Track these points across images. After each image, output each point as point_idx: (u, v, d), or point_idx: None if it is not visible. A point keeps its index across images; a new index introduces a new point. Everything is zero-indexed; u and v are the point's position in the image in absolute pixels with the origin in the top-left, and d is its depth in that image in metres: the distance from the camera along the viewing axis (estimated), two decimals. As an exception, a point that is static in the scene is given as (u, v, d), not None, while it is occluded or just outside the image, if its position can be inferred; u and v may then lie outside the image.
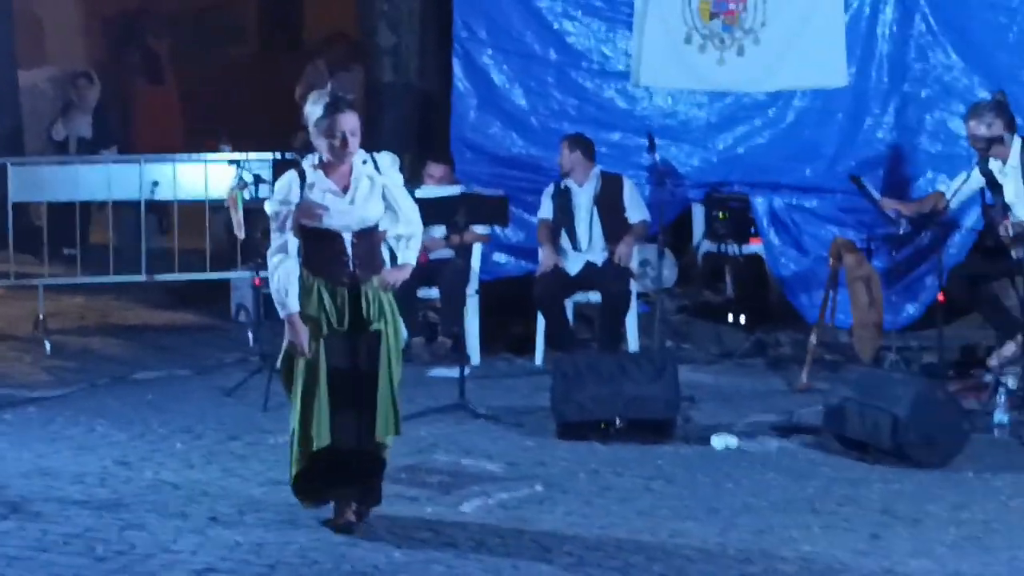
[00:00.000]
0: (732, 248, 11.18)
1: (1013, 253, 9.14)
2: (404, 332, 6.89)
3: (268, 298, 7.32)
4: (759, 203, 10.86)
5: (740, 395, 9.60)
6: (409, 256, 6.75)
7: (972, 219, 9.96)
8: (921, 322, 10.27)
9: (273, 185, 6.97)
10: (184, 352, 10.68)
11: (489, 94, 11.38)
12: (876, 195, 9.90)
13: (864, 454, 8.08)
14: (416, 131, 12.55)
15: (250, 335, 10.35)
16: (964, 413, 8.21)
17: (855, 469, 7.92)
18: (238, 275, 11.27)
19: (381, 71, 12.66)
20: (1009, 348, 9.31)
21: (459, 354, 9.37)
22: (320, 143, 6.59)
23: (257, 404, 8.99)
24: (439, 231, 10.45)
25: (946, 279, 9.45)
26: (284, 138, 11.62)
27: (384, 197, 6.68)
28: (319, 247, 6.58)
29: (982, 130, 9.17)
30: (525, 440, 8.45)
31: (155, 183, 10.98)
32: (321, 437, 6.50)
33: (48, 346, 10.52)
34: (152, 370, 10.06)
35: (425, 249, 9.95)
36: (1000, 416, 8.58)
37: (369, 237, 6.65)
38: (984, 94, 9.94)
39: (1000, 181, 9.26)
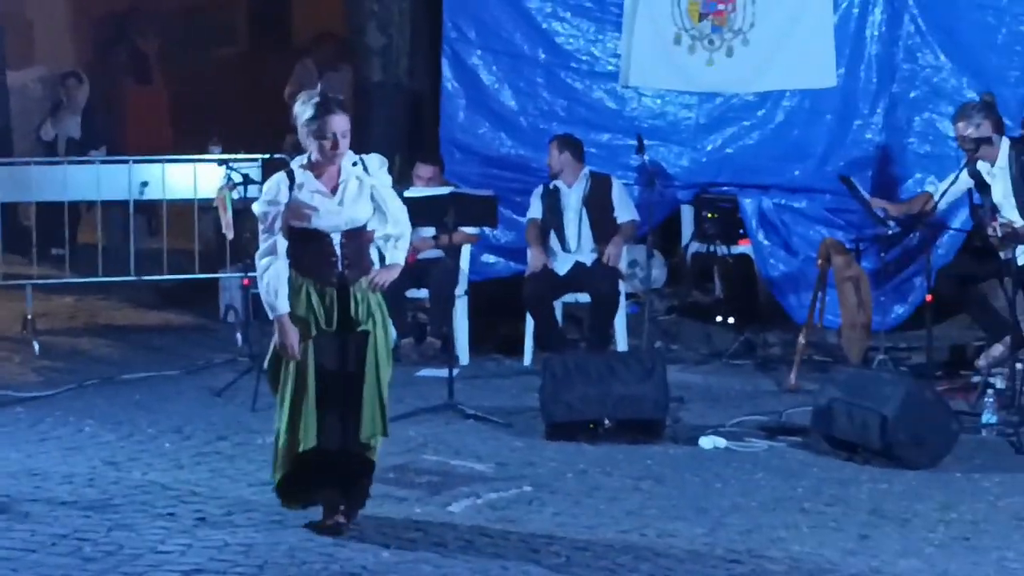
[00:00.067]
0: (721, 249, 11.20)
1: (1001, 254, 9.16)
2: (393, 333, 6.89)
3: (257, 298, 7.33)
4: (748, 204, 10.87)
5: (729, 395, 9.60)
6: (398, 256, 6.75)
7: (961, 220, 9.98)
8: (910, 323, 10.29)
9: (262, 186, 6.96)
10: (173, 352, 10.67)
11: (478, 94, 11.38)
12: (865, 195, 9.91)
13: (853, 454, 8.08)
14: (405, 131, 12.55)
15: (239, 335, 10.35)
16: (952, 413, 8.22)
17: (844, 469, 7.93)
18: (227, 275, 11.26)
19: (370, 71, 12.66)
20: (997, 349, 9.33)
21: (448, 354, 9.37)
22: (310, 144, 6.59)
23: (246, 404, 8.99)
24: (428, 231, 10.45)
25: (935, 280, 9.46)
26: (273, 138, 11.68)
27: (372, 198, 6.68)
28: (307, 248, 6.58)
29: (970, 131, 9.18)
30: (514, 440, 8.45)
31: (144, 183, 10.97)
32: (308, 438, 6.50)
33: (37, 346, 10.50)
34: (141, 370, 10.05)
35: (414, 249, 9.97)
36: (988, 416, 8.60)
37: (358, 238, 6.65)
38: (972, 95, 9.96)
39: (988, 182, 9.28)
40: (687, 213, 11.60)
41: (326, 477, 6.63)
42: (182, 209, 11.44)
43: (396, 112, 12.59)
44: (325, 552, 6.38)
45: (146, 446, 8.21)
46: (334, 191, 6.62)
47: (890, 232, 9.89)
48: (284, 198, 6.57)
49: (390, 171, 6.86)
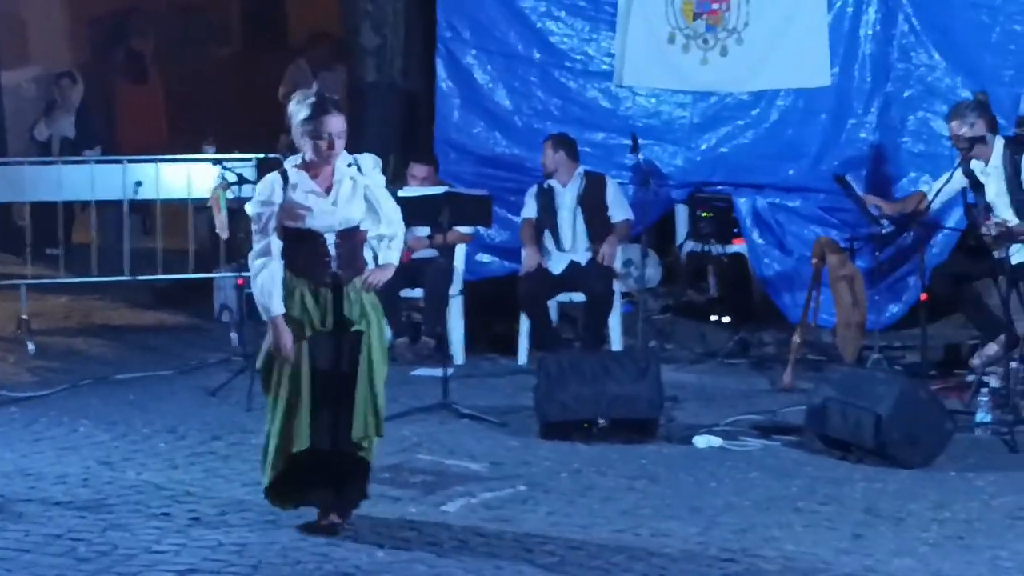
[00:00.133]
0: (716, 248, 11.21)
1: (995, 253, 9.16)
2: (388, 332, 6.88)
3: (251, 298, 7.30)
4: (742, 203, 10.87)
5: (723, 394, 9.61)
6: (391, 256, 6.74)
7: (955, 219, 9.99)
8: (904, 322, 10.30)
9: (256, 186, 6.96)
10: (167, 352, 10.67)
11: (473, 94, 11.38)
12: (860, 192, 9.90)
13: (847, 453, 8.09)
14: (400, 131, 12.55)
15: (233, 335, 10.34)
16: (946, 412, 8.22)
17: (838, 468, 7.93)
18: (221, 275, 11.26)
19: (365, 71, 12.66)
20: (991, 348, 9.34)
21: (443, 354, 9.39)
22: (305, 144, 6.58)
23: (240, 404, 8.98)
24: (423, 231, 10.45)
25: (929, 279, 9.47)
26: (268, 138, 11.68)
27: (366, 198, 6.67)
28: (301, 248, 6.57)
29: (964, 130, 9.18)
30: (508, 440, 8.45)
31: (138, 183, 10.96)
32: (301, 439, 6.49)
33: (31, 346, 10.50)
34: (135, 370, 10.04)
35: (408, 249, 9.97)
36: (982, 415, 8.60)
37: (352, 238, 6.64)
38: (967, 94, 9.96)
39: (982, 181, 9.29)
40: (682, 212, 11.60)
41: (319, 477, 6.63)
42: (176, 209, 11.44)
43: (390, 112, 12.59)
44: (319, 552, 6.38)
45: (140, 446, 8.21)
46: (328, 191, 6.62)
47: (884, 231, 9.89)
48: (278, 199, 6.57)
49: (384, 171, 6.86)
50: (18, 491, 7.24)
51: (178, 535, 6.59)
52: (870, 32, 10.59)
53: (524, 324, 10.45)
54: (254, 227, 6.59)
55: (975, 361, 9.47)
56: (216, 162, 10.18)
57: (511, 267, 10.96)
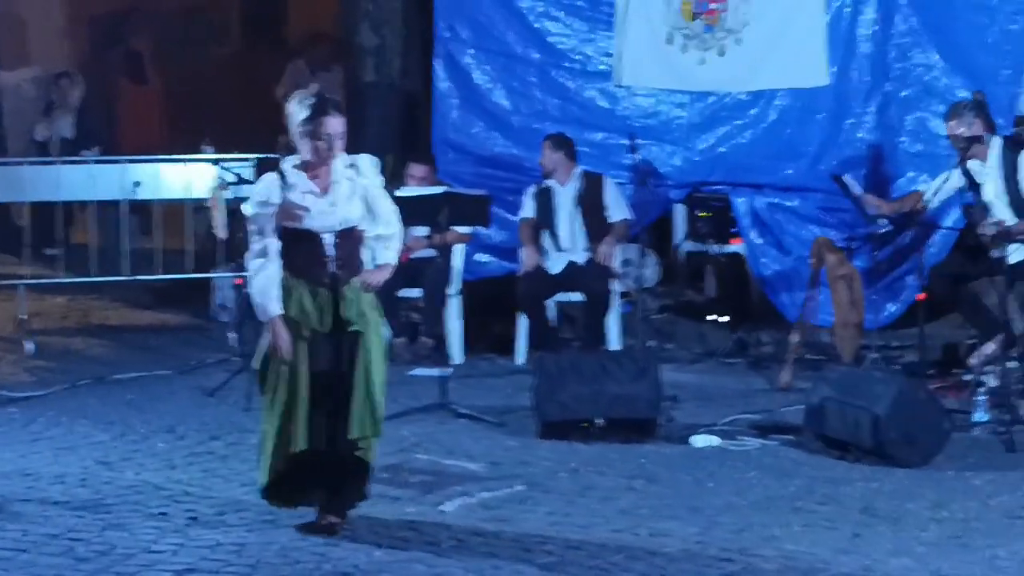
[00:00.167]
0: (714, 248, 11.22)
1: (993, 252, 9.16)
2: (387, 332, 6.88)
3: (250, 298, 7.30)
4: (741, 203, 10.88)
5: (722, 394, 9.62)
6: (389, 256, 6.74)
7: (953, 219, 9.99)
8: (902, 321, 10.31)
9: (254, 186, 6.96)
10: (166, 352, 10.68)
11: (471, 94, 11.39)
12: (858, 190, 9.90)
13: (845, 453, 8.09)
14: (399, 131, 12.55)
15: (232, 335, 10.34)
16: (944, 412, 8.23)
17: (836, 468, 7.94)
18: (220, 275, 11.26)
19: (364, 71, 12.65)
20: (989, 347, 9.32)
21: (441, 354, 9.40)
22: (304, 144, 6.58)
23: (239, 404, 8.99)
24: (421, 231, 10.45)
25: (927, 278, 9.47)
26: (267, 138, 11.66)
27: (364, 199, 6.67)
28: (299, 248, 6.57)
29: (962, 130, 9.18)
30: (507, 440, 8.46)
31: (137, 183, 10.96)
32: (299, 440, 6.49)
33: (30, 346, 10.50)
34: (134, 370, 10.05)
35: (407, 249, 9.97)
36: (980, 415, 8.61)
37: (350, 238, 6.64)
38: (965, 94, 9.96)
39: (980, 181, 9.29)
40: (680, 212, 11.61)
41: (317, 478, 6.63)
42: (175, 209, 11.44)
43: (389, 112, 12.59)
44: (317, 551, 6.38)
45: (139, 446, 8.22)
46: (326, 192, 6.61)
47: (882, 231, 9.90)
48: (276, 199, 6.57)
49: (383, 171, 6.86)
50: (16, 491, 7.24)
51: (176, 535, 6.58)
52: (868, 32, 10.60)
53: (522, 324, 10.45)
54: (251, 228, 6.59)
55: (973, 361, 9.46)
56: (215, 162, 10.18)
57: (510, 267, 10.97)
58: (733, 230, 11.10)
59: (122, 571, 6.14)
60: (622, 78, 11.12)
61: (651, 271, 11.33)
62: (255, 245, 6.56)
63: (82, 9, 16.97)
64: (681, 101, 11.05)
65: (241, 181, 9.81)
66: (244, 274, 7.82)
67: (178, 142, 12.82)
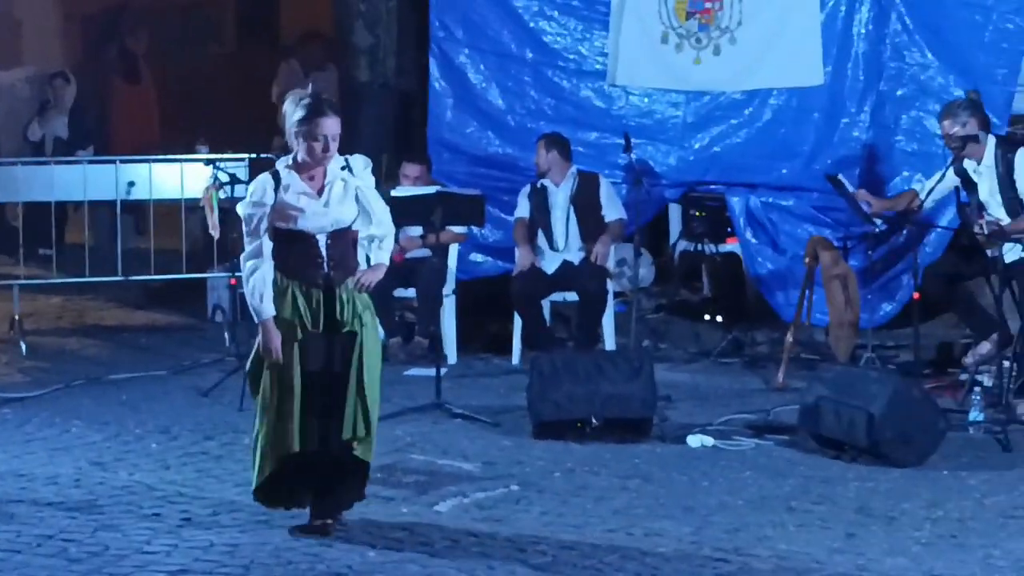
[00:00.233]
0: (709, 247, 11.21)
1: (988, 251, 9.16)
2: (382, 332, 6.87)
3: (244, 298, 7.30)
4: (735, 202, 10.86)
5: (717, 394, 9.60)
6: (382, 256, 6.73)
7: (948, 218, 9.99)
8: (897, 320, 10.29)
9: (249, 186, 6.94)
10: (160, 352, 10.66)
11: (466, 94, 11.37)
12: (851, 187, 9.89)
13: (840, 452, 8.09)
14: (393, 131, 12.55)
15: (226, 335, 10.32)
16: (939, 411, 8.22)
17: (831, 467, 7.93)
18: (214, 275, 11.25)
19: (358, 71, 12.65)
20: (984, 346, 9.34)
21: (436, 354, 9.36)
22: (299, 144, 6.57)
23: (233, 404, 8.97)
24: (416, 231, 10.44)
25: (922, 278, 9.47)
26: (262, 137, 11.67)
27: (357, 200, 6.66)
28: (293, 249, 6.56)
29: (956, 129, 9.18)
30: (502, 439, 8.45)
31: (131, 183, 10.95)
32: (292, 441, 6.48)
33: (24, 347, 10.49)
34: (128, 371, 10.03)
35: (401, 249, 9.97)
36: (975, 414, 8.60)
37: (343, 239, 6.63)
38: (960, 93, 9.95)
39: (975, 180, 9.28)
40: (675, 212, 11.61)
41: (310, 479, 6.61)
42: (169, 209, 11.43)
43: (384, 111, 12.58)
44: (311, 552, 6.38)
45: (133, 446, 8.20)
46: (320, 192, 6.61)
47: (877, 230, 9.89)
48: (270, 200, 6.56)
49: (377, 171, 6.85)
50: (9, 492, 7.23)
51: (169, 536, 6.58)
52: (863, 31, 10.58)
53: (517, 324, 10.44)
54: (245, 228, 6.57)
55: (968, 360, 9.48)
56: (209, 162, 10.17)
57: (504, 267, 10.95)
58: (728, 229, 11.09)
59: (115, 572, 6.14)
60: (617, 77, 11.10)
61: (646, 271, 11.34)
62: (248, 246, 6.54)
63: (76, 8, 16.99)
64: (676, 100, 11.03)
65: (235, 181, 9.78)
66: (239, 274, 7.83)
67: (172, 142, 12.83)
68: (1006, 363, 8.92)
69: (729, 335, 10.80)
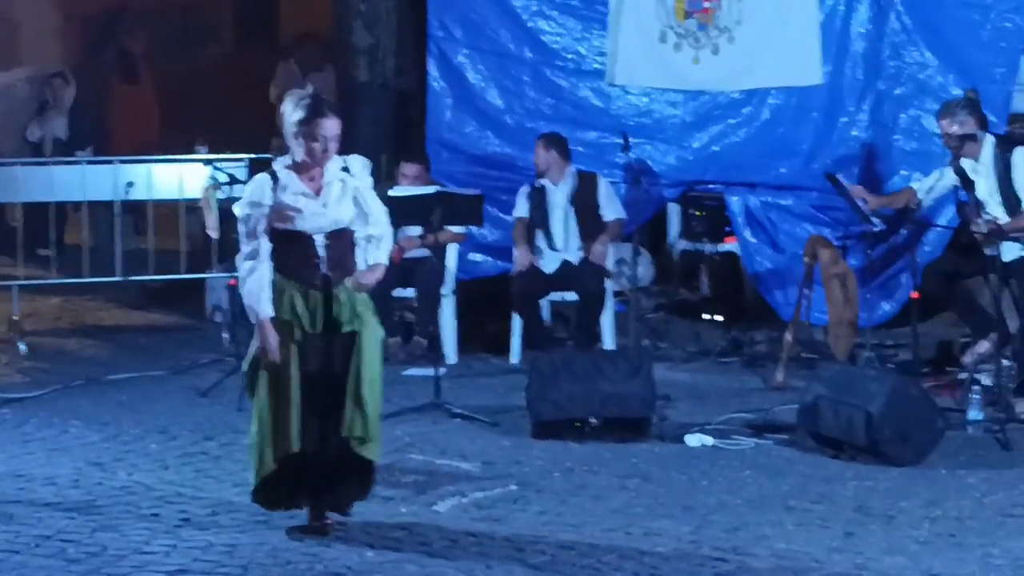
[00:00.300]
0: (708, 246, 11.21)
1: (986, 250, 9.16)
2: (381, 332, 6.86)
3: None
4: (734, 201, 10.86)
5: (716, 393, 9.60)
6: (380, 256, 6.72)
7: (947, 217, 9.99)
8: (896, 319, 10.29)
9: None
10: (159, 353, 10.65)
11: (465, 93, 11.37)
12: (846, 183, 9.88)
13: (839, 451, 8.09)
14: (392, 131, 12.54)
15: (225, 335, 10.32)
16: (938, 410, 8.22)
17: (830, 466, 7.93)
18: (213, 276, 11.25)
19: (357, 71, 12.64)
20: (983, 345, 9.34)
21: (435, 353, 9.36)
22: (298, 144, 6.56)
23: (232, 405, 8.96)
24: (414, 230, 10.44)
25: (921, 277, 9.46)
26: (261, 138, 11.66)
27: (355, 200, 6.66)
28: (291, 250, 6.56)
29: (954, 128, 9.17)
30: (501, 439, 8.44)
31: (130, 184, 10.93)
32: (291, 442, 6.47)
33: (22, 347, 10.48)
34: (127, 371, 10.02)
35: (400, 248, 9.96)
36: (974, 413, 8.60)
37: (341, 239, 6.63)
38: (958, 92, 9.96)
39: (973, 178, 9.27)
40: (674, 211, 11.60)
41: (309, 479, 6.61)
42: (168, 209, 11.43)
43: (382, 111, 12.58)
44: (310, 552, 6.38)
45: (131, 447, 8.20)
46: (318, 193, 6.60)
47: (876, 229, 9.89)
48: (268, 200, 6.55)
49: (376, 171, 6.85)
50: (8, 492, 7.23)
51: (168, 536, 6.58)
52: (862, 30, 10.58)
53: (516, 323, 10.44)
54: (241, 229, 6.57)
55: (967, 359, 9.48)
56: (207, 162, 10.17)
57: (503, 266, 10.95)
58: (727, 229, 11.09)
59: (113, 572, 6.14)
60: (615, 77, 11.10)
61: (645, 270, 11.33)
62: (246, 247, 6.54)
63: (75, 9, 16.99)
64: (674, 100, 11.04)
65: (234, 181, 9.78)
66: (237, 274, 7.83)
67: (171, 142, 12.83)
68: (1005, 362, 8.93)
69: (728, 334, 10.80)
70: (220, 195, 9.77)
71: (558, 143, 10.52)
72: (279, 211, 6.54)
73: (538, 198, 10.54)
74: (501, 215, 10.93)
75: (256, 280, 6.50)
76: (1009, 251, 9.08)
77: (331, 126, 6.53)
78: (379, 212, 6.73)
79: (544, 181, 10.53)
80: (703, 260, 11.46)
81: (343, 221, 6.63)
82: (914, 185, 9.83)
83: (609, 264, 10.49)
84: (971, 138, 9.17)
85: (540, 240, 10.53)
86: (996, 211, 9.16)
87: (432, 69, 11.41)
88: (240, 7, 18.02)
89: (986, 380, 8.95)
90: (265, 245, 6.52)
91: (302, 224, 6.56)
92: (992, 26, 10.13)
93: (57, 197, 11.28)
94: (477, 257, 11.21)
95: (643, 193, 10.51)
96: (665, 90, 11.03)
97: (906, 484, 7.58)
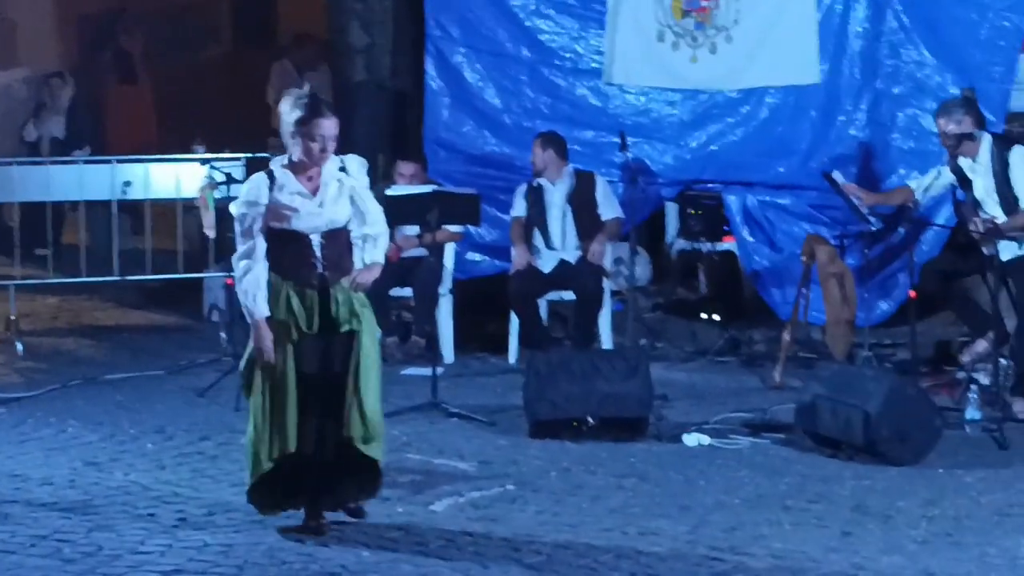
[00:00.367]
0: (706, 246, 11.21)
1: (984, 249, 9.15)
2: (378, 332, 6.86)
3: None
4: (732, 200, 10.86)
5: (714, 392, 9.59)
6: (377, 256, 6.71)
7: (944, 216, 9.98)
8: (894, 319, 10.29)
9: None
10: (156, 352, 10.64)
11: (462, 93, 11.36)
12: (841, 178, 9.88)
13: (836, 451, 8.08)
14: (389, 130, 12.53)
15: (223, 335, 10.31)
16: (936, 409, 8.22)
17: (827, 466, 7.92)
18: (211, 275, 11.24)
19: (354, 70, 12.62)
20: (981, 344, 9.33)
21: (432, 353, 9.35)
22: (296, 144, 6.55)
23: (229, 404, 8.94)
24: (412, 230, 10.43)
25: (918, 276, 9.46)
26: (258, 137, 11.67)
27: (352, 200, 6.65)
28: (287, 250, 6.55)
29: (951, 127, 9.16)
30: (498, 439, 8.43)
31: (127, 183, 10.93)
32: (287, 443, 6.46)
33: (20, 347, 10.48)
34: (124, 371, 10.01)
35: (397, 247, 9.95)
36: (972, 412, 8.60)
37: (337, 239, 6.62)
38: (956, 91, 9.98)
39: (970, 178, 9.27)
40: (671, 210, 11.59)
41: (306, 479, 6.60)
42: (165, 209, 11.41)
43: (379, 111, 12.56)
44: (305, 552, 6.37)
45: (128, 447, 8.19)
46: (315, 192, 6.59)
47: (874, 229, 9.89)
48: (264, 199, 6.54)
49: (373, 170, 6.84)
50: (4, 492, 7.23)
51: (164, 536, 6.57)
52: (859, 29, 10.59)
53: (514, 323, 10.43)
54: (238, 228, 6.55)
55: (965, 358, 9.47)
56: (204, 162, 10.16)
57: (501, 266, 10.94)
58: (725, 228, 11.08)
59: (109, 572, 6.13)
60: (613, 76, 11.10)
61: (643, 269, 11.32)
62: (241, 246, 6.53)
63: (72, 9, 16.97)
64: (672, 99, 11.04)
65: (231, 180, 9.77)
66: (233, 274, 7.82)
67: (169, 142, 12.82)
68: (1003, 361, 8.92)
69: (726, 334, 10.79)
70: (217, 194, 9.77)
71: (556, 142, 10.51)
72: (275, 210, 6.53)
73: (535, 197, 10.53)
74: (499, 214, 10.93)
75: (252, 280, 6.49)
76: (1007, 250, 9.07)
77: (329, 126, 6.52)
78: (376, 212, 6.72)
79: (542, 180, 10.52)
80: (701, 259, 11.45)
81: (339, 221, 6.62)
82: (911, 184, 9.82)
83: (607, 263, 10.48)
84: (968, 137, 9.16)
85: (538, 239, 10.52)
86: (993, 210, 9.15)
87: (429, 68, 11.40)
88: (238, 7, 18.00)
89: (984, 379, 8.96)
90: (261, 244, 6.51)
91: (298, 224, 6.55)
92: (990, 25, 10.14)
93: (54, 197, 11.27)
94: (475, 256, 11.20)
95: (641, 192, 10.52)
96: (663, 89, 11.03)
97: (904, 483, 7.58)
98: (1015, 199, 9.07)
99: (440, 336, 10.33)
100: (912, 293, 9.37)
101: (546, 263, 10.43)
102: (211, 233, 10.03)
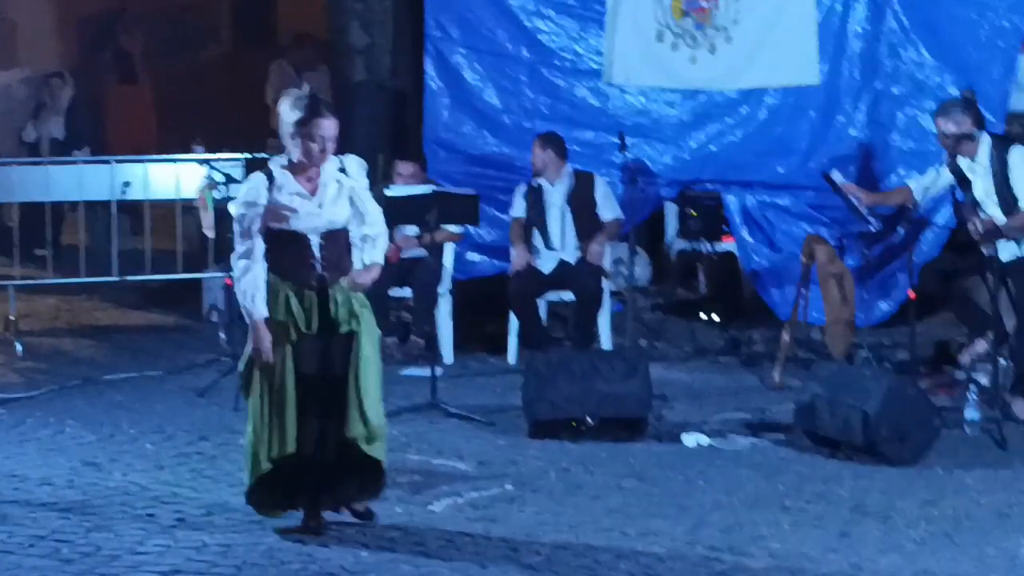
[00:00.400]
0: (705, 246, 11.20)
1: (983, 249, 9.15)
2: (378, 332, 6.85)
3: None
4: (732, 201, 10.86)
5: (713, 392, 9.59)
6: (376, 256, 6.71)
7: (944, 216, 9.98)
8: (893, 319, 10.29)
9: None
10: (156, 353, 10.64)
11: (462, 93, 11.36)
12: (840, 177, 9.87)
13: (835, 451, 8.08)
14: (389, 130, 12.53)
15: (222, 335, 10.31)
16: (935, 409, 8.21)
17: (826, 466, 7.92)
18: (210, 275, 11.24)
19: (353, 70, 12.63)
20: (980, 345, 9.33)
21: (432, 353, 9.35)
22: (295, 144, 6.54)
23: (228, 404, 8.94)
24: (411, 230, 10.43)
25: (918, 276, 9.46)
26: (257, 137, 11.66)
27: (351, 201, 6.64)
28: (286, 250, 6.54)
29: (951, 128, 9.16)
30: (497, 439, 8.43)
31: (126, 184, 10.94)
32: (287, 444, 6.46)
33: (19, 347, 10.47)
34: (123, 371, 10.01)
35: (396, 248, 9.95)
36: (971, 412, 8.58)
37: (336, 239, 6.62)
38: (955, 91, 9.96)
39: (969, 178, 9.26)
40: (671, 210, 11.59)
41: (306, 480, 6.59)
42: (165, 209, 11.41)
43: (379, 111, 12.56)
44: (304, 552, 6.37)
45: (127, 447, 8.18)
46: (314, 193, 6.59)
47: (874, 229, 9.88)
48: (263, 200, 6.54)
49: (373, 171, 6.84)
50: (3, 493, 7.22)
51: (163, 536, 6.57)
52: (859, 29, 10.59)
53: (513, 323, 10.43)
54: (236, 228, 6.55)
55: (964, 358, 9.47)
56: (204, 162, 10.16)
57: (501, 266, 10.94)
58: (724, 228, 11.08)
59: (107, 572, 6.13)
60: (612, 76, 11.10)
61: (642, 270, 11.32)
62: (240, 246, 6.52)
63: (72, 10, 16.98)
64: (672, 99, 11.04)
65: (230, 180, 9.77)
66: (232, 274, 7.81)
67: (168, 142, 12.82)
68: (1002, 361, 8.92)
69: (725, 334, 10.80)
70: (216, 195, 9.76)
71: (555, 142, 10.51)
72: (274, 211, 6.52)
73: (535, 197, 10.53)
74: (498, 215, 10.93)
75: (250, 280, 6.49)
76: (1006, 250, 9.07)
77: (329, 126, 6.52)
78: (375, 212, 6.72)
79: (541, 180, 10.52)
80: (700, 260, 11.45)
81: (339, 222, 6.62)
82: (911, 184, 9.81)
83: (606, 264, 10.48)
84: (968, 137, 9.15)
85: (537, 240, 10.52)
86: (993, 211, 9.14)
87: (429, 69, 11.40)
88: (238, 7, 18.01)
89: (983, 379, 8.95)
90: (259, 245, 6.50)
91: (297, 224, 6.55)
92: (989, 25, 10.15)
93: (53, 197, 11.27)
94: (474, 257, 11.20)
95: (640, 192, 10.52)
96: (662, 89, 11.03)
97: (903, 483, 7.57)
98: (1014, 199, 9.07)
99: (439, 336, 10.34)
100: (912, 293, 9.37)
101: (545, 263, 10.43)
102: (210, 233, 10.03)
